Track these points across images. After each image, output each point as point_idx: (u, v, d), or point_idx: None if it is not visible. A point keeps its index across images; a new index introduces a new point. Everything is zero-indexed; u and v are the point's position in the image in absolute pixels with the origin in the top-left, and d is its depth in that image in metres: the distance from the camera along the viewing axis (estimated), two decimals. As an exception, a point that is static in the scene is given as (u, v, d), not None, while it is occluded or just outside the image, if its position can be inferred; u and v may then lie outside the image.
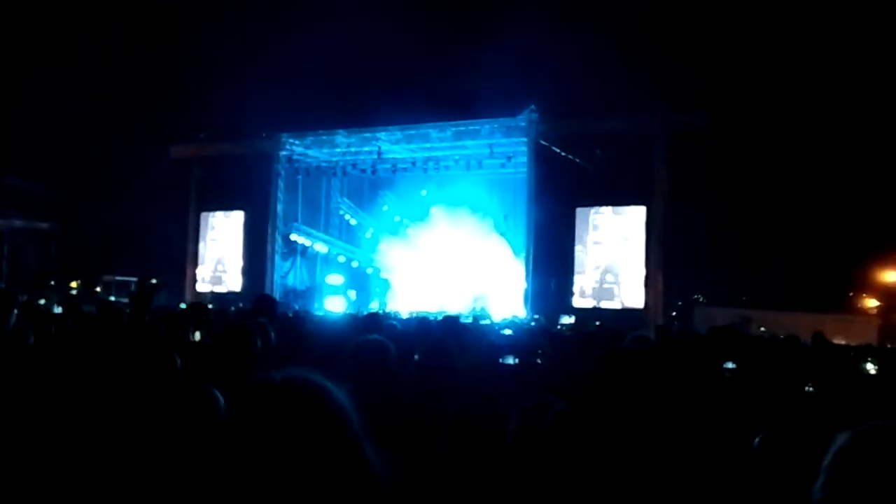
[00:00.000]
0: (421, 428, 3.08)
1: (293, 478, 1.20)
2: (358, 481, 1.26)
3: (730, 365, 4.48)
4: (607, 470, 1.98)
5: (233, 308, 13.63)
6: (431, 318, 11.19)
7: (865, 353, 6.60)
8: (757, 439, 2.36)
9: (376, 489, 1.29)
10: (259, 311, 5.24)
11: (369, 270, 27.46)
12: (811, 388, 3.75)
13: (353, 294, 25.59)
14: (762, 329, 16.15)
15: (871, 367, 5.70)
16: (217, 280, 26.64)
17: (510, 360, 4.38)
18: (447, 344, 4.51)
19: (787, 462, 2.13)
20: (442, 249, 25.22)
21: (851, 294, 26.84)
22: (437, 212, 25.59)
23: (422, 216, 26.16)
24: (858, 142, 21.75)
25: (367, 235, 27.80)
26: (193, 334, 4.51)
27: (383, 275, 26.91)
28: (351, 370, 3.19)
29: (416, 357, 4.38)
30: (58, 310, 10.93)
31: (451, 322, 6.20)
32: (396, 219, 27.06)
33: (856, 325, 19.55)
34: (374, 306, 23.42)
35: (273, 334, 4.12)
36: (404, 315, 17.44)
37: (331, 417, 1.28)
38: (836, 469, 1.41)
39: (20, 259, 26.75)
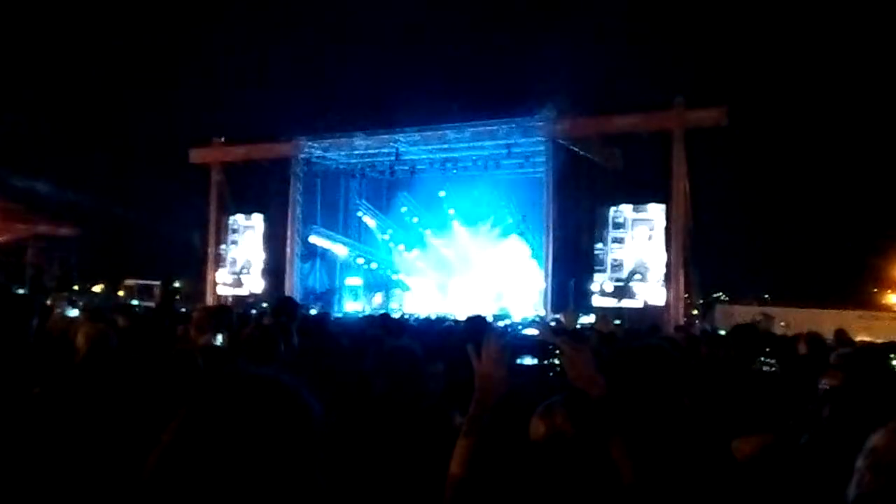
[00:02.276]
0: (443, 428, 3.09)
1: (230, 478, 1.13)
2: (291, 494, 1.17)
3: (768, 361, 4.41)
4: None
5: (254, 311, 13.70)
6: (450, 319, 11.20)
7: (891, 349, 6.50)
8: (803, 439, 2.35)
9: None
10: (280, 314, 5.27)
11: (388, 272, 27.52)
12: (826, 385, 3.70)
13: (378, 297, 25.60)
14: (782, 324, 15.99)
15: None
16: (238, 283, 26.80)
17: (528, 361, 4.35)
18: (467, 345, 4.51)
19: (822, 462, 2.12)
20: (461, 250, 25.21)
21: (875, 290, 26.54)
22: (455, 213, 25.61)
23: (440, 217, 26.19)
24: (880, 137, 21.51)
25: (386, 237, 27.86)
26: (216, 337, 4.54)
27: (402, 276, 26.96)
28: (381, 378, 3.17)
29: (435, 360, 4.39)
30: (73, 312, 11.01)
31: (476, 323, 6.18)
32: (415, 220, 27.08)
33: (880, 321, 19.30)
34: (393, 307, 23.52)
35: (295, 336, 4.14)
36: (423, 316, 17.46)
37: (284, 426, 1.20)
38: (871, 467, 1.39)
39: (44, 264, 27.05)
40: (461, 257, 25.15)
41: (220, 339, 4.46)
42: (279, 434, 1.19)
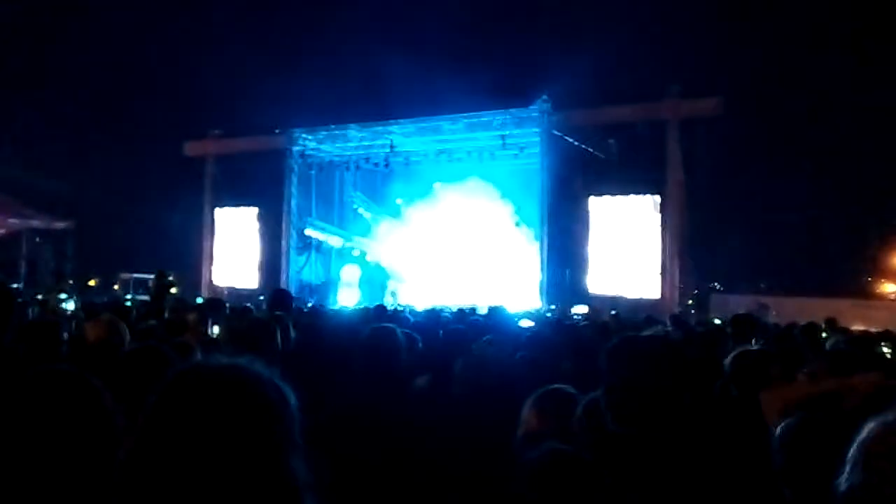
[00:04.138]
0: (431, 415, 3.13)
1: (199, 470, 1.14)
2: (267, 486, 1.18)
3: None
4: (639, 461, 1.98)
5: (249, 304, 13.68)
6: (445, 311, 11.21)
7: (882, 337, 6.55)
8: (778, 429, 2.34)
9: (285, 497, 1.20)
10: (275, 307, 5.27)
11: (384, 264, 27.46)
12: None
13: (392, 284, 25.52)
14: (774, 313, 16.06)
15: (886, 351, 5.68)
16: (232, 276, 26.78)
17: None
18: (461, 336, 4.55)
19: (808, 451, 2.12)
20: (455, 242, 25.17)
21: (870, 279, 26.61)
22: (451, 204, 25.55)
23: (435, 209, 26.12)
24: (875, 125, 21.52)
25: (381, 228, 27.80)
26: (211, 329, 4.55)
27: (396, 269, 26.90)
28: (362, 359, 3.24)
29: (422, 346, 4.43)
30: (70, 305, 11.03)
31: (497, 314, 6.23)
32: (409, 211, 27.00)
33: (875, 310, 19.37)
34: (388, 300, 23.49)
35: (292, 329, 4.14)
36: (419, 308, 17.42)
37: (254, 414, 1.20)
38: (862, 460, 1.39)
39: (38, 258, 26.99)
40: (457, 250, 25.04)
41: (215, 330, 4.48)
42: (248, 423, 1.20)
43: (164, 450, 1.17)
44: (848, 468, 1.41)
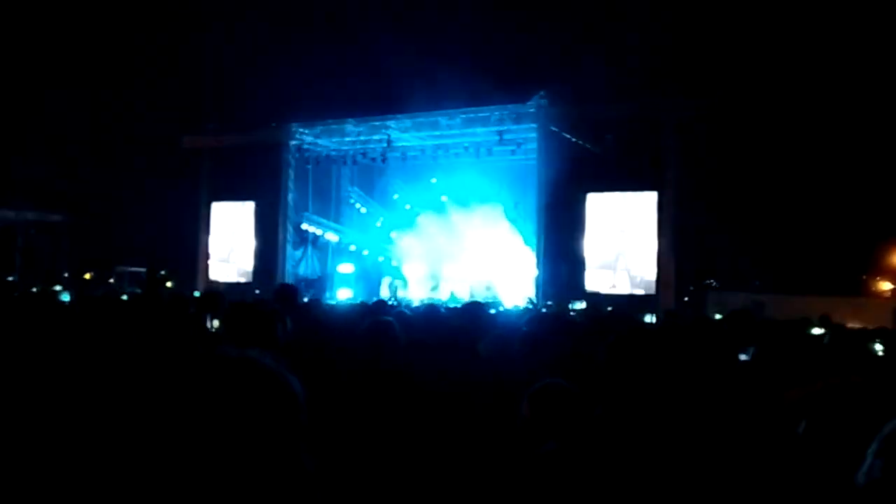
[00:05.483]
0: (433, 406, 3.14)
1: (210, 455, 1.15)
2: (283, 474, 1.19)
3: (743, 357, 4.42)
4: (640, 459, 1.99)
5: (246, 299, 13.67)
6: (441, 305, 11.21)
7: (875, 334, 6.58)
8: (802, 424, 2.36)
9: (295, 488, 1.21)
10: (280, 301, 5.26)
11: (381, 259, 27.51)
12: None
13: (387, 280, 25.52)
14: (769, 310, 16.08)
15: (879, 348, 5.70)
16: (229, 270, 26.75)
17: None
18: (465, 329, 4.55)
19: (825, 446, 2.14)
20: (453, 238, 25.21)
21: (865, 277, 26.68)
22: (447, 200, 25.59)
23: (432, 204, 26.15)
24: (871, 123, 21.57)
25: (378, 224, 27.83)
26: (211, 322, 4.56)
27: (394, 263, 26.96)
28: (362, 349, 3.28)
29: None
30: (66, 297, 11.02)
31: (472, 308, 6.18)
32: (407, 207, 27.05)
33: (870, 308, 19.43)
34: (384, 294, 23.55)
35: (289, 322, 4.14)
36: (415, 303, 17.45)
37: (268, 404, 1.21)
38: (881, 455, 1.40)
39: (33, 251, 26.94)
40: (454, 241, 25.09)
41: (215, 324, 4.48)
42: (259, 414, 1.20)
43: (178, 441, 1.16)
44: (868, 461, 1.43)
